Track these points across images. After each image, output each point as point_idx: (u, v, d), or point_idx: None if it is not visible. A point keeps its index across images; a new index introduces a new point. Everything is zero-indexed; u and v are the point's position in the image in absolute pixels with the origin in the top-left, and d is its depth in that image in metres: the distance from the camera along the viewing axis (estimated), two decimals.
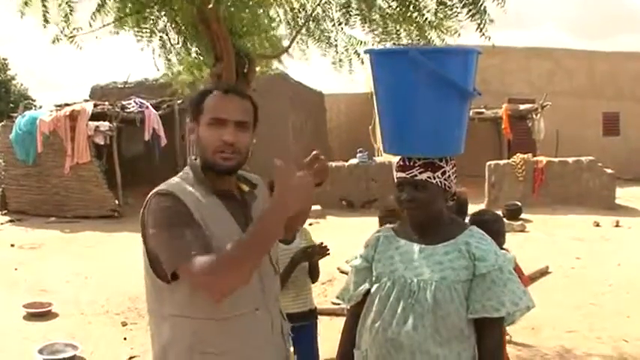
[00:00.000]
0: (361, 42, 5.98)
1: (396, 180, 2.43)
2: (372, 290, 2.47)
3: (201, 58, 5.89)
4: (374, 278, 2.48)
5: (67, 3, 4.66)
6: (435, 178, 2.33)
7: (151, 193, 2.10)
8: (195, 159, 2.22)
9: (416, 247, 2.40)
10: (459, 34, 5.42)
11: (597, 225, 12.50)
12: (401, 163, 2.42)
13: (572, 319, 6.54)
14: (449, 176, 2.38)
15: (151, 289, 2.15)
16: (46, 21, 4.69)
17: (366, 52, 2.99)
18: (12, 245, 11.17)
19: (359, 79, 16.07)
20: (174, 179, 2.18)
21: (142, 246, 2.11)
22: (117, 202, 14.45)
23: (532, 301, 2.32)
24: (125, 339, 6.19)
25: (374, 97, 2.49)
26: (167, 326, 2.09)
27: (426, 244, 2.38)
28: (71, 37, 5.05)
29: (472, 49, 2.44)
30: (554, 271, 8.52)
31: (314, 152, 2.29)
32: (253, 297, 2.15)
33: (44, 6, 4.60)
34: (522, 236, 11.54)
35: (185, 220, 2.03)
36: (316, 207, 12.73)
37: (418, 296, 2.31)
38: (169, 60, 5.98)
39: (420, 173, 2.33)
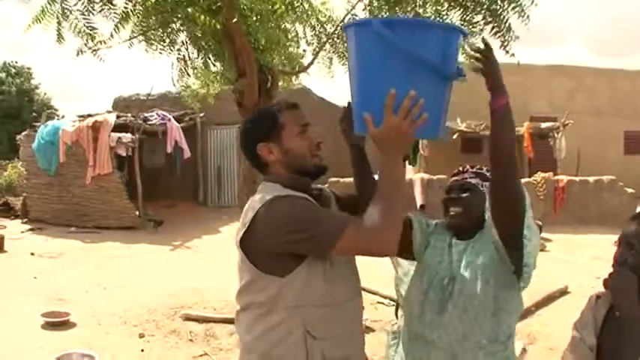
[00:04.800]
0: None
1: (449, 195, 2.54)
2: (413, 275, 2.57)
3: (223, 73, 5.89)
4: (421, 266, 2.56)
5: (86, 21, 4.66)
6: (483, 186, 2.46)
7: (262, 204, 2.13)
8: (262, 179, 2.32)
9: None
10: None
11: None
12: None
13: None
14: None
15: (259, 284, 2.17)
16: (61, 37, 4.66)
17: (343, 28, 2.84)
18: (32, 254, 11.25)
19: None
20: (271, 193, 2.17)
21: (239, 251, 2.20)
22: (137, 213, 14.53)
23: None
24: (142, 350, 6.20)
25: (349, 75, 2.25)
26: (279, 317, 2.15)
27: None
28: (94, 50, 5.04)
29: (454, 27, 2.38)
30: (574, 291, 8.43)
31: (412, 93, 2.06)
32: (355, 284, 2.32)
33: (58, 26, 4.59)
34: (542, 255, 11.35)
35: (318, 207, 2.18)
36: None
37: (450, 288, 2.39)
38: (187, 74, 5.96)
39: (471, 178, 2.50)
